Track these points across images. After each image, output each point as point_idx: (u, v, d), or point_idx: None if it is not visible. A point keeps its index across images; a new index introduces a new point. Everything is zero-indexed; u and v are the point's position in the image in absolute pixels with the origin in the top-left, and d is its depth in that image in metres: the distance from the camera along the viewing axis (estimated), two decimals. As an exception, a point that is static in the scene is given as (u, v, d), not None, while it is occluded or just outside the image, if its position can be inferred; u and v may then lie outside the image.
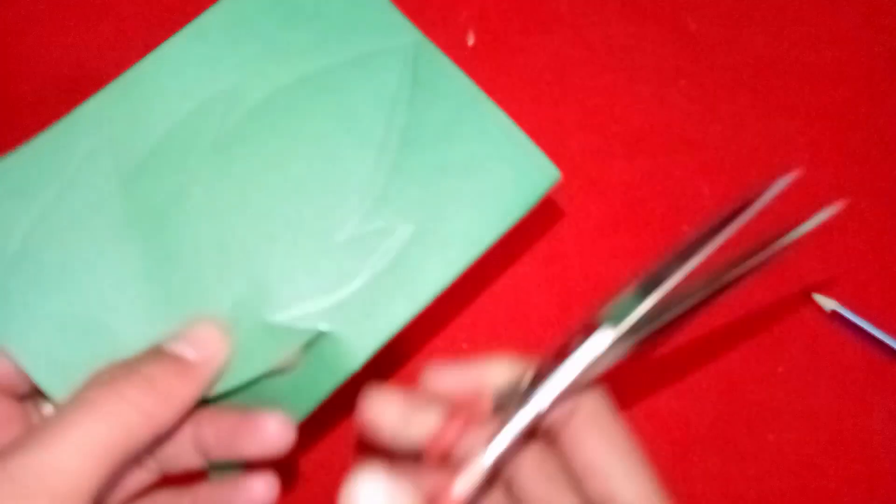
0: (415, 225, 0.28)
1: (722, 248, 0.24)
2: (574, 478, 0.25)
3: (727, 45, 0.43)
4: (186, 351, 0.26)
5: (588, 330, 0.24)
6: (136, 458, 0.26)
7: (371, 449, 0.26)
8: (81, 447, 0.22)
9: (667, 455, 0.37)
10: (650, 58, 0.43)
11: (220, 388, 0.27)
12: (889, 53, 0.44)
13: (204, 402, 0.27)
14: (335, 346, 0.27)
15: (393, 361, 0.38)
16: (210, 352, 0.26)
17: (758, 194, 0.24)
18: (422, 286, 0.28)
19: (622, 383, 0.38)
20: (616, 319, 0.24)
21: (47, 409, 0.28)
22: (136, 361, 0.25)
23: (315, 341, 0.27)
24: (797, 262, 0.40)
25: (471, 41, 0.42)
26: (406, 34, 0.29)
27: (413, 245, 0.28)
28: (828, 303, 0.39)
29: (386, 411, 0.25)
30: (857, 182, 0.41)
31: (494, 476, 0.26)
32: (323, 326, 0.27)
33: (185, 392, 0.25)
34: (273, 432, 0.26)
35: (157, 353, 0.25)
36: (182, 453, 0.27)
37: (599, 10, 0.43)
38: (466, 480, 0.22)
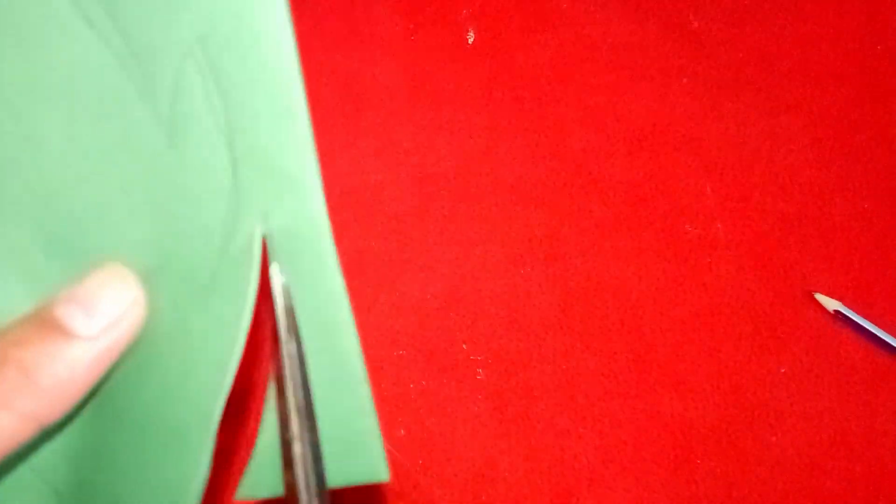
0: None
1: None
2: None
3: (730, 42, 0.43)
4: (77, 320, 0.19)
5: None
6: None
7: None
8: None
9: (669, 457, 0.37)
10: (652, 56, 0.42)
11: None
12: (893, 51, 0.43)
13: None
14: None
15: (391, 363, 0.38)
16: (115, 317, 0.19)
17: None
18: None
19: (624, 385, 0.38)
20: None
21: None
22: (10, 341, 0.18)
23: None
24: (799, 261, 0.39)
25: (471, 39, 0.42)
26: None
27: None
28: (830, 303, 0.38)
29: None
30: (860, 181, 0.41)
31: None
32: None
33: (78, 383, 0.19)
34: None
35: (37, 325, 0.19)
36: None
37: (601, 7, 0.43)
38: None
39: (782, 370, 0.38)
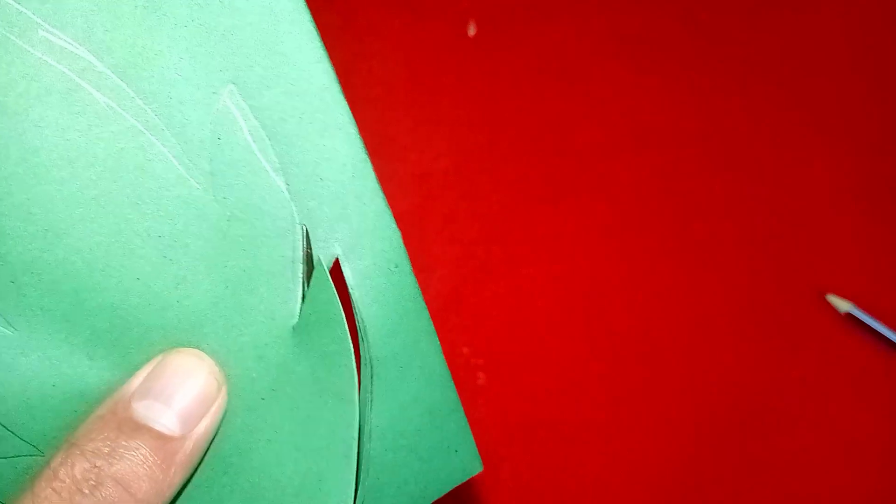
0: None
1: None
2: None
3: (740, 35, 0.42)
4: (162, 418, 0.17)
5: None
6: None
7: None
8: None
9: (680, 462, 0.36)
10: (659, 48, 0.42)
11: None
12: (906, 44, 0.42)
13: None
14: None
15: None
16: (200, 407, 0.18)
17: None
18: None
19: (631, 389, 0.37)
20: None
21: None
22: (96, 452, 0.17)
23: None
24: (811, 262, 0.39)
25: (472, 32, 0.41)
26: None
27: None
28: (842, 304, 0.38)
29: None
30: (873, 180, 0.40)
31: None
32: None
33: (175, 481, 0.17)
34: None
35: (119, 428, 0.17)
36: None
37: (605, -2, 0.42)
38: None
39: (793, 373, 0.38)
